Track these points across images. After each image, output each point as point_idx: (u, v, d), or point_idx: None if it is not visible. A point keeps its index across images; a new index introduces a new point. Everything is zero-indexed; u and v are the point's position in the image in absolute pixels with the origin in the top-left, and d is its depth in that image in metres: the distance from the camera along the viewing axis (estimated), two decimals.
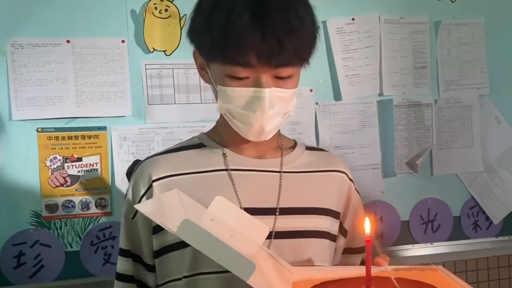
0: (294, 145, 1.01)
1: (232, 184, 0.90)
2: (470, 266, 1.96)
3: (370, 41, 1.76)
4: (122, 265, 0.94)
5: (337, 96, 1.76)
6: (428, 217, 1.86)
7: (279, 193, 0.91)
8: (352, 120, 1.77)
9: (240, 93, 0.84)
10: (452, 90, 1.86)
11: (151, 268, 0.93)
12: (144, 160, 0.95)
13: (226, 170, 0.91)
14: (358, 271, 0.78)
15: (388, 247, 1.81)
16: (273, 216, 0.89)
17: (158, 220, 0.74)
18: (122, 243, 0.94)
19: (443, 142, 1.86)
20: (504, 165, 1.91)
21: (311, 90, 1.74)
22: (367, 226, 0.75)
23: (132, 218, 0.92)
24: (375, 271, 0.77)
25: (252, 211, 0.87)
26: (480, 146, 1.88)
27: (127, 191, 0.95)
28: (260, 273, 0.69)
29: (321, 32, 1.76)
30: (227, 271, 0.77)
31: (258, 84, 0.83)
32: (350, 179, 1.01)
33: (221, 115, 0.94)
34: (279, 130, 0.98)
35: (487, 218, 1.91)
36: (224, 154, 0.93)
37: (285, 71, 0.83)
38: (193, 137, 0.99)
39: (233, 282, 0.82)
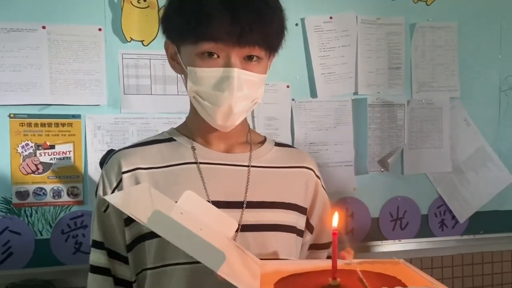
0: (263, 140, 1.02)
1: (201, 177, 0.91)
2: (435, 263, 2.02)
3: (347, 40, 1.79)
4: (97, 257, 0.93)
5: (313, 93, 1.78)
6: (397, 214, 1.91)
7: (247, 187, 0.93)
8: (327, 118, 1.80)
9: (209, 74, 0.85)
10: (424, 92, 1.90)
11: (125, 260, 0.93)
12: (114, 154, 0.96)
13: (195, 163, 0.93)
14: (324, 264, 0.80)
15: (358, 242, 1.85)
16: (240, 210, 0.91)
17: (128, 212, 0.74)
18: (95, 235, 0.94)
19: (414, 142, 1.90)
20: (471, 166, 1.97)
21: (287, 86, 1.75)
22: (335, 219, 0.76)
23: (104, 211, 0.92)
24: (340, 264, 0.79)
25: (220, 204, 0.88)
26: (449, 147, 1.93)
27: (98, 185, 0.95)
28: (229, 264, 0.70)
29: (299, 29, 1.82)
30: (193, 262, 0.80)
31: (227, 64, 0.85)
32: (317, 176, 1.03)
33: (191, 108, 0.96)
34: (248, 125, 1.01)
35: (453, 217, 1.96)
36: (193, 147, 0.94)
37: (254, 51, 0.86)
38: (163, 132, 1.01)
39: (199, 273, 0.84)
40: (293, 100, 1.76)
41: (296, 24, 1.75)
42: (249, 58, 0.87)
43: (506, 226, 2.02)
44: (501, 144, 1.99)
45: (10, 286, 1.52)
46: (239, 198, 0.92)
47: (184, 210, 0.79)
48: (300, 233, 0.99)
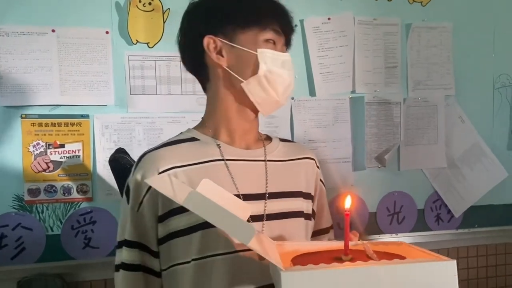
0: (268, 137, 1.12)
1: (229, 173, 0.99)
2: None
3: (345, 41, 1.85)
4: (129, 255, 0.98)
5: (312, 92, 1.84)
6: (394, 209, 1.97)
7: (267, 179, 1.01)
8: (325, 116, 1.86)
9: (277, 56, 0.99)
10: (420, 90, 1.96)
11: (156, 254, 0.99)
12: (146, 154, 1.00)
13: (222, 160, 1.00)
14: (335, 244, 0.87)
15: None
16: (263, 201, 0.99)
17: (166, 193, 0.80)
18: (128, 234, 0.98)
19: (410, 139, 1.96)
20: (466, 162, 2.02)
21: None
22: (348, 201, 0.84)
23: (137, 210, 0.97)
24: (339, 244, 0.85)
25: (248, 196, 0.97)
26: (445, 144, 1.99)
27: (129, 182, 0.99)
28: (258, 240, 0.76)
29: (298, 30, 1.87)
30: (232, 252, 0.91)
31: (281, 50, 1.01)
32: (317, 166, 1.14)
33: (211, 109, 1.04)
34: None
35: (449, 211, 2.01)
36: (218, 145, 1.01)
37: (286, 49, 1.03)
38: (180, 133, 1.06)
39: (238, 261, 0.92)
40: (292, 99, 1.82)
41: (295, 25, 1.79)
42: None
43: (500, 220, 2.07)
44: (495, 140, 2.05)
45: (23, 279, 1.58)
46: (261, 190, 1.00)
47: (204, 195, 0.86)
48: (310, 218, 1.09)
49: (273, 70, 0.97)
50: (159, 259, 1.00)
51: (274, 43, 0.99)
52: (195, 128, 1.07)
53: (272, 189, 1.01)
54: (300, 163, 1.09)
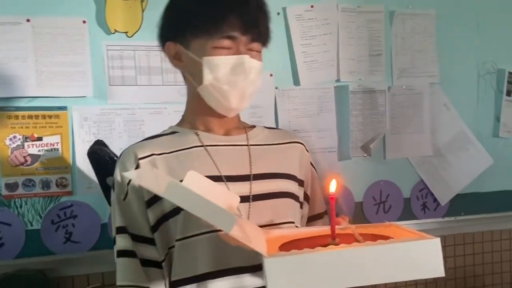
0: (253, 126, 1.13)
1: (210, 156, 1.00)
2: None
3: (328, 28, 1.83)
4: (122, 242, 0.99)
5: (296, 81, 1.82)
6: (381, 198, 1.96)
7: (250, 162, 1.02)
8: (310, 105, 1.84)
9: (226, 61, 0.96)
10: (404, 78, 1.94)
11: (151, 241, 0.99)
12: (125, 150, 1.04)
13: (202, 146, 1.02)
14: (323, 229, 0.87)
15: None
16: (249, 182, 0.99)
17: (144, 184, 0.80)
18: (118, 222, 1.00)
19: (395, 128, 1.95)
20: (451, 150, 2.01)
21: (271, 75, 1.79)
22: (333, 185, 0.83)
23: (124, 199, 0.99)
24: (336, 229, 0.84)
25: (231, 178, 0.98)
26: (430, 132, 1.98)
27: (114, 175, 1.01)
28: (240, 228, 0.75)
29: (280, 18, 1.85)
30: (214, 231, 0.90)
31: (238, 53, 0.96)
32: (307, 150, 1.14)
33: (190, 103, 1.07)
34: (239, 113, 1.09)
35: (435, 199, 2.01)
36: (196, 134, 1.04)
37: (255, 46, 0.99)
38: (164, 130, 1.09)
39: (219, 241, 0.91)
40: (276, 88, 1.80)
41: (278, 13, 1.78)
42: (250, 50, 0.98)
43: (486, 207, 2.07)
44: (480, 127, 2.04)
45: (2, 276, 1.54)
46: (245, 172, 1.00)
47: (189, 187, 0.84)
48: (300, 204, 1.08)
49: (221, 78, 0.96)
50: (155, 247, 0.99)
51: (230, 48, 0.96)
52: (177, 124, 1.10)
53: (257, 170, 1.01)
54: (289, 147, 1.10)
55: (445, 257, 2.24)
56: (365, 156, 1.91)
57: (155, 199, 0.97)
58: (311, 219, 1.14)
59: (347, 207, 1.91)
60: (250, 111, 1.75)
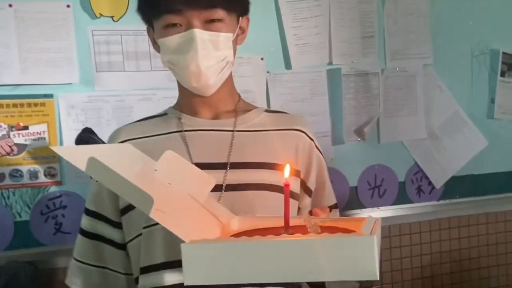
0: (252, 109, 1.05)
1: (184, 143, 0.97)
2: (414, 228, 2.07)
3: (319, 10, 1.79)
4: (86, 222, 1.01)
5: (288, 64, 1.78)
6: (375, 182, 1.94)
7: (230, 149, 0.96)
8: (302, 89, 1.81)
9: (174, 40, 0.90)
10: (398, 60, 1.92)
11: (116, 225, 0.98)
12: (115, 130, 1.05)
13: (180, 131, 0.98)
14: (294, 220, 0.80)
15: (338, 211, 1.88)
16: (224, 171, 0.94)
17: (71, 160, 0.76)
18: (87, 202, 1.02)
19: (389, 111, 1.93)
20: (446, 132, 2.00)
21: (262, 59, 1.75)
22: (287, 170, 0.78)
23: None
24: (299, 220, 0.79)
25: (202, 165, 0.91)
26: (424, 114, 1.96)
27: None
28: (168, 212, 0.72)
29: (271, 1, 1.81)
30: None
31: (188, 28, 0.90)
32: (311, 138, 1.05)
33: (178, 83, 1.01)
34: (239, 95, 1.05)
35: (430, 183, 2.00)
36: (179, 118, 1.00)
37: (212, 14, 0.91)
38: (163, 110, 1.07)
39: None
40: (268, 72, 1.77)
41: None
42: (212, 21, 0.91)
43: (481, 190, 2.06)
44: (474, 109, 2.03)
45: None
46: (222, 159, 0.95)
47: (161, 168, 0.82)
48: (293, 195, 1.00)
49: (173, 59, 0.92)
50: (120, 230, 0.98)
51: (181, 24, 0.90)
52: (173, 105, 1.07)
53: (235, 159, 0.96)
54: (283, 134, 1.02)
55: (440, 241, 2.24)
56: (359, 140, 1.89)
57: None
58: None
59: (342, 193, 1.89)
60: (242, 96, 1.72)
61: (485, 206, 2.12)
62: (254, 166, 0.96)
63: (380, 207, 1.96)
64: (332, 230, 0.73)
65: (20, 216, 1.55)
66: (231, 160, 0.95)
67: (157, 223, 0.87)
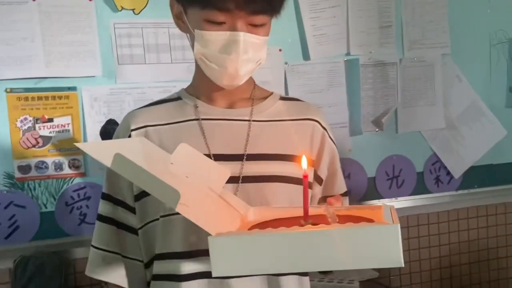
0: (268, 95, 1.04)
1: (202, 132, 0.95)
2: (432, 219, 2.07)
3: (337, 1, 1.79)
4: (104, 208, 1.00)
5: (306, 55, 1.79)
6: (393, 173, 1.95)
7: (247, 140, 0.95)
8: (320, 80, 1.82)
9: (216, 37, 0.88)
10: (416, 49, 1.91)
11: (133, 210, 0.98)
12: (127, 114, 1.02)
13: (197, 119, 0.96)
14: (314, 210, 0.80)
15: (356, 202, 1.89)
16: (240, 162, 0.94)
17: (96, 156, 0.77)
18: (104, 187, 1.00)
19: (407, 101, 1.93)
20: (464, 122, 1.99)
21: (280, 50, 1.76)
22: (304, 162, 0.78)
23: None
24: (321, 210, 0.80)
25: (220, 157, 0.92)
26: (442, 104, 1.96)
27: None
28: (199, 207, 0.73)
29: None
30: None
31: (233, 29, 0.87)
32: (324, 127, 1.04)
33: (196, 67, 0.99)
34: (254, 81, 1.03)
35: (448, 173, 2.00)
36: (195, 106, 0.98)
37: (258, 19, 0.88)
38: (174, 92, 1.05)
39: None
40: (286, 63, 1.78)
41: None
42: (255, 25, 0.89)
43: (499, 179, 2.06)
44: (493, 98, 2.02)
45: (20, 258, 1.55)
46: (239, 151, 0.95)
47: (176, 160, 0.82)
48: (308, 185, 0.99)
49: (210, 55, 0.89)
50: (135, 216, 0.98)
51: (225, 22, 0.87)
52: (186, 87, 1.04)
53: (252, 150, 0.95)
54: (298, 124, 1.01)
55: (458, 231, 2.24)
56: (377, 131, 1.89)
57: None
58: (324, 200, 1.06)
59: (360, 183, 1.90)
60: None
61: (504, 196, 2.11)
62: (271, 158, 0.96)
63: (398, 198, 1.96)
64: (350, 219, 0.74)
65: (45, 207, 1.58)
66: (248, 152, 0.95)
67: (176, 213, 0.89)
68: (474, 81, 1.98)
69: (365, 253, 0.67)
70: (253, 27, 0.89)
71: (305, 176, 0.76)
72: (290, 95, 1.77)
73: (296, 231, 0.69)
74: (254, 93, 1.02)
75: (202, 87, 0.99)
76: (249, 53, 0.89)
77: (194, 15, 0.89)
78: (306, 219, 0.75)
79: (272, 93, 1.05)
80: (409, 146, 1.95)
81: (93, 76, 1.59)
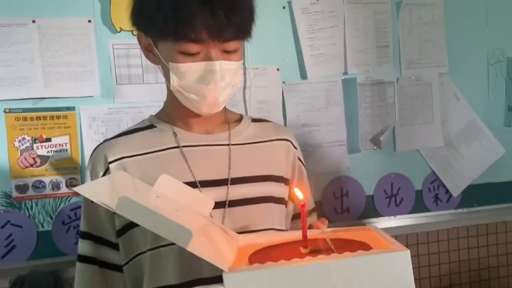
0: (240, 118, 1.06)
1: (184, 160, 0.95)
2: (431, 237, 2.06)
3: (334, 21, 1.81)
4: (83, 247, 0.97)
5: (303, 75, 1.80)
6: (392, 191, 1.94)
7: (229, 164, 0.96)
8: (318, 99, 1.82)
9: (193, 68, 0.88)
10: (413, 69, 1.92)
11: (115, 246, 0.96)
12: (98, 145, 1.00)
13: (178, 147, 0.96)
14: (298, 235, 0.82)
15: (354, 220, 1.89)
16: (226, 187, 0.95)
17: (96, 199, 0.76)
18: (82, 226, 0.98)
19: (405, 119, 1.93)
20: (463, 140, 1.99)
21: (278, 69, 1.77)
22: (299, 192, 0.80)
23: (92, 202, 0.93)
24: (314, 233, 0.82)
25: (206, 183, 0.93)
26: (440, 123, 1.96)
27: (86, 177, 0.99)
28: (207, 241, 0.73)
29: (286, 12, 1.84)
30: None
31: (208, 58, 0.88)
32: (295, 147, 1.08)
33: (168, 94, 1.00)
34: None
35: (447, 191, 1.99)
36: (174, 133, 0.97)
37: (232, 45, 0.90)
38: (143, 120, 1.04)
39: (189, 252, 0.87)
40: (283, 82, 1.78)
41: (284, 7, 1.77)
42: (228, 51, 0.90)
43: (499, 198, 2.05)
44: (491, 116, 2.02)
45: (16, 278, 1.55)
46: (223, 176, 0.95)
47: (161, 193, 0.82)
48: (282, 202, 1.03)
49: (188, 86, 0.89)
50: (119, 252, 0.96)
51: (199, 52, 0.87)
52: (156, 114, 1.03)
53: (235, 174, 0.96)
54: (273, 145, 1.04)
55: (458, 249, 2.21)
56: (375, 149, 1.89)
57: None
58: (298, 217, 1.09)
59: (358, 201, 1.90)
60: (257, 106, 1.74)
61: (504, 215, 2.10)
62: (254, 180, 0.97)
63: (397, 216, 1.95)
64: (344, 243, 0.75)
65: (42, 226, 1.58)
66: (232, 176, 0.95)
67: (164, 245, 0.89)
68: (472, 100, 1.98)
69: (379, 280, 0.68)
70: (227, 53, 0.90)
71: (303, 205, 0.79)
72: (288, 114, 1.79)
73: (311, 262, 0.69)
74: (227, 116, 1.04)
75: (178, 114, 0.98)
76: (226, 79, 0.90)
77: (167, 48, 0.89)
78: (305, 246, 0.76)
79: (242, 115, 1.07)
80: (407, 164, 1.94)
81: (91, 96, 1.60)
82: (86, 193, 0.81)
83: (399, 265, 0.67)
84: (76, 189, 0.80)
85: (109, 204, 0.73)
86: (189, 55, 0.88)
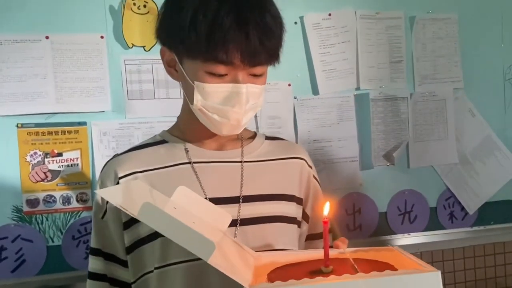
0: (253, 135, 1.05)
1: (196, 176, 0.94)
2: (446, 255, 2.01)
3: (347, 36, 1.80)
4: (94, 263, 0.97)
5: (315, 90, 1.79)
6: (405, 208, 1.91)
7: (242, 182, 0.95)
8: (330, 114, 1.81)
9: (219, 89, 0.88)
10: (427, 84, 1.90)
11: (125, 264, 0.95)
12: (108, 161, 0.99)
13: (189, 163, 0.95)
14: (318, 253, 0.80)
15: (366, 237, 1.85)
16: (237, 204, 0.93)
17: (117, 204, 0.75)
18: (93, 242, 0.97)
19: (419, 135, 1.90)
20: (478, 156, 1.95)
21: (289, 85, 1.76)
22: (326, 208, 0.78)
23: (102, 218, 0.95)
24: (334, 253, 0.80)
25: (217, 200, 0.91)
26: (455, 139, 1.92)
27: (96, 192, 0.97)
28: (222, 256, 0.71)
29: (298, 27, 1.83)
30: (194, 260, 0.83)
31: (235, 80, 0.87)
32: (309, 166, 1.06)
33: (184, 111, 0.99)
34: None
35: (463, 208, 1.95)
36: (186, 149, 0.97)
37: (259, 69, 0.89)
38: (155, 135, 1.03)
39: (200, 270, 0.86)
40: (295, 98, 1.77)
41: (295, 23, 1.76)
42: (255, 75, 0.90)
43: None
44: (508, 132, 1.98)
45: None
46: (235, 193, 0.94)
47: (178, 205, 0.81)
48: (298, 223, 1.02)
49: (212, 107, 0.88)
50: (127, 270, 0.95)
51: (226, 74, 0.87)
52: (169, 129, 1.03)
53: (247, 192, 0.95)
54: (287, 163, 1.02)
55: (475, 268, 2.16)
56: (388, 165, 1.86)
57: (132, 222, 0.92)
58: (313, 238, 1.07)
59: (371, 218, 1.87)
60: (269, 121, 1.73)
61: None
62: (265, 198, 0.96)
63: (411, 233, 1.91)
64: (368, 264, 0.73)
65: (52, 241, 1.58)
66: (244, 193, 0.94)
67: (172, 263, 0.88)
68: (488, 116, 1.95)
69: None
70: (254, 77, 0.89)
71: (326, 222, 0.76)
72: (300, 129, 1.77)
73: (336, 281, 0.67)
74: (241, 133, 1.01)
75: (192, 130, 0.97)
76: (250, 102, 0.89)
77: (194, 66, 0.88)
78: (327, 265, 0.74)
79: (256, 133, 1.06)
80: (421, 180, 1.91)
81: (103, 111, 1.60)
82: (109, 197, 0.81)
83: (429, 286, 0.66)
84: (98, 191, 0.82)
85: (130, 210, 0.72)
86: (217, 76, 0.87)
